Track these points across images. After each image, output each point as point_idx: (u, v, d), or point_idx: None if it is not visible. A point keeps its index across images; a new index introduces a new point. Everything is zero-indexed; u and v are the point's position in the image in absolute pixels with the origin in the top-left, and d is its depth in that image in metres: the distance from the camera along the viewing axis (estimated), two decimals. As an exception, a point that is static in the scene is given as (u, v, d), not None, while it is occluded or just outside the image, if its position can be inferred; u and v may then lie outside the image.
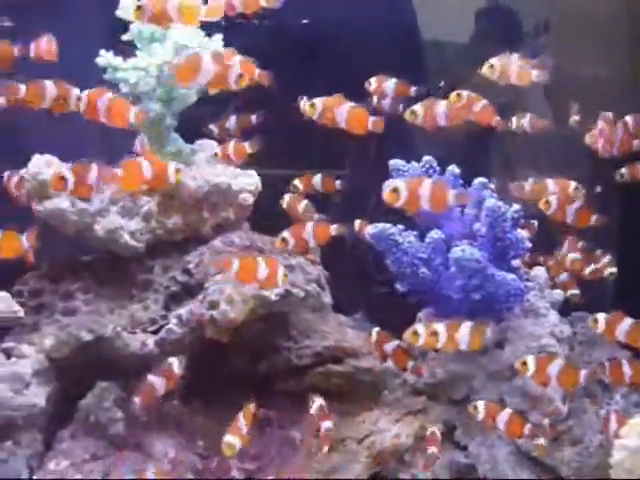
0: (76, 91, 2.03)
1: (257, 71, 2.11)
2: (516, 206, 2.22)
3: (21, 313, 2.16)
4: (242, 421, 1.92)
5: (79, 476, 2.06)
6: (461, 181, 2.34)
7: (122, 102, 2.02)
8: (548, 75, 2.21)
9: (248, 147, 2.34)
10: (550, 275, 2.39)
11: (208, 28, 2.35)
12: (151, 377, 1.95)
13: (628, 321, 2.01)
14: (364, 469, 2.13)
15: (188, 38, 2.26)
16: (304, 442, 2.21)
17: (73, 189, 1.96)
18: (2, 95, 2.08)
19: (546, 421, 2.15)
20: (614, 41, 3.04)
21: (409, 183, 2.03)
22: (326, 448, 2.01)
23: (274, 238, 2.30)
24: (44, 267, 2.31)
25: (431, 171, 2.33)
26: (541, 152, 2.95)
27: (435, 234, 2.22)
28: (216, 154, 2.27)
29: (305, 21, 2.98)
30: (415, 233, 2.27)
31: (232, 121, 2.45)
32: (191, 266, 2.21)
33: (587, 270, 2.47)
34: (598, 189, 2.49)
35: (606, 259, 2.49)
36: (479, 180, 2.29)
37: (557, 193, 2.28)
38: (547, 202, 2.28)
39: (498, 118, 2.20)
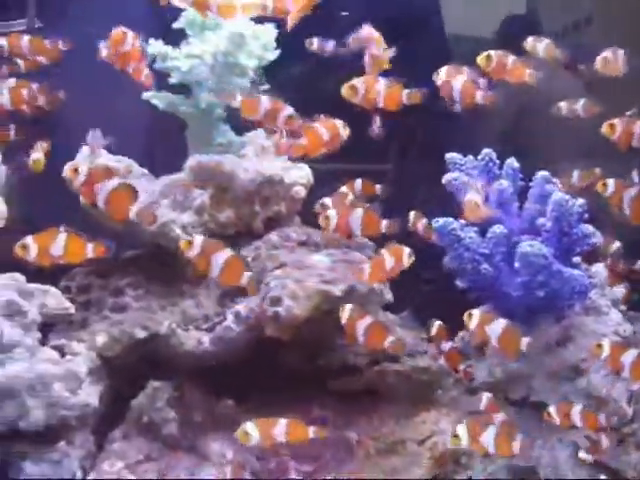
0: None
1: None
2: (581, 200, 2.15)
3: (72, 310, 2.09)
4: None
5: (132, 477, 1.98)
6: (520, 175, 2.27)
7: None
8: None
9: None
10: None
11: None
12: None
13: None
14: (426, 471, 2.06)
15: (243, 26, 2.18)
16: (361, 443, 2.14)
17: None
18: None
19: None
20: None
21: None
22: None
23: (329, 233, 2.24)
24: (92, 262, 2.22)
25: (491, 164, 2.26)
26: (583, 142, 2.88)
27: (497, 229, 2.16)
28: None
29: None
30: (475, 228, 2.21)
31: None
32: (247, 261, 2.13)
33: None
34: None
35: None
36: (541, 174, 2.22)
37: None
38: (604, 184, 2.17)
39: (530, 71, 2.11)
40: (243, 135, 2.41)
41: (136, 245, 2.27)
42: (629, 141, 2.04)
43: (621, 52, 2.14)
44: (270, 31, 2.28)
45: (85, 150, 2.24)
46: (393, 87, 2.00)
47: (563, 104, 2.38)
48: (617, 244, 2.43)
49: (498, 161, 2.29)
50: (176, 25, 2.26)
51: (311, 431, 1.80)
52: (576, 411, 1.94)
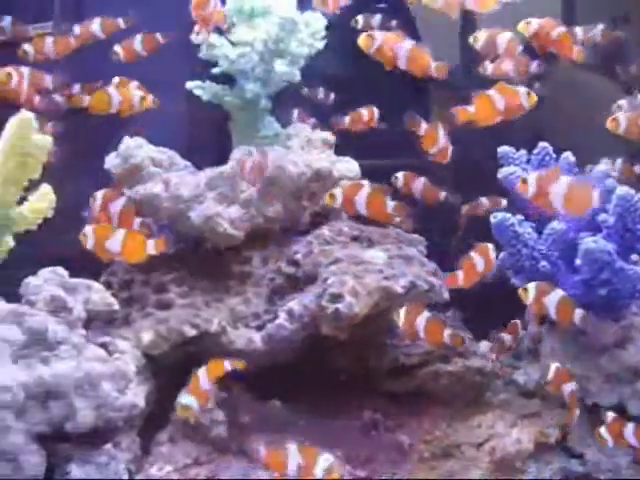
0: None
1: None
2: (645, 195, 2.08)
3: (116, 306, 2.00)
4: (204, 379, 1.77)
5: (183, 480, 1.90)
6: (576, 169, 2.20)
7: None
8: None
9: None
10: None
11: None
12: None
13: None
14: (485, 476, 1.98)
15: (293, 12, 2.10)
16: (414, 447, 2.06)
17: None
18: None
19: None
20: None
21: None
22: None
23: (378, 228, 2.17)
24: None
25: (547, 158, 2.19)
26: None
27: (557, 225, 2.08)
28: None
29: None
30: (533, 224, 2.14)
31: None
32: (299, 257, 2.05)
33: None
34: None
35: None
36: (600, 168, 2.15)
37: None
38: None
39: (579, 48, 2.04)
40: (288, 127, 2.33)
41: (180, 239, 2.17)
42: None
43: None
44: (320, 19, 2.20)
45: (127, 140, 2.16)
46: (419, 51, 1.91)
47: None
48: None
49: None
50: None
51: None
52: (629, 431, 1.86)
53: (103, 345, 1.96)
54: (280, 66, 2.17)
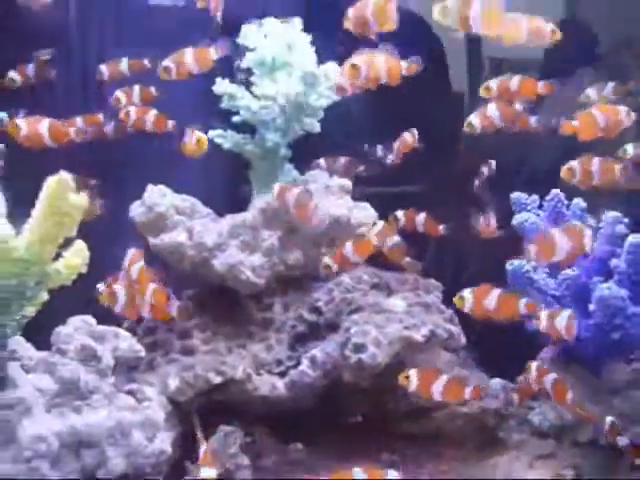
0: None
1: None
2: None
3: (142, 353, 2.05)
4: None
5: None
6: (587, 215, 2.26)
7: None
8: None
9: None
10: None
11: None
12: None
13: None
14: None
15: (314, 65, 2.17)
16: (432, 488, 2.11)
17: None
18: None
19: None
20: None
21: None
22: None
23: (398, 274, 2.23)
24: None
25: (559, 205, 2.25)
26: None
27: (571, 271, 2.14)
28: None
29: None
30: (547, 270, 2.19)
31: None
32: (320, 304, 2.11)
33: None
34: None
35: None
36: (612, 214, 2.21)
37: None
38: None
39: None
40: (305, 174, 2.38)
41: (202, 286, 2.23)
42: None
43: None
44: (336, 70, 2.26)
45: (151, 188, 2.22)
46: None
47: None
48: None
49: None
50: (243, 65, 2.23)
51: None
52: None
53: (130, 392, 2.01)
54: (302, 119, 2.22)
